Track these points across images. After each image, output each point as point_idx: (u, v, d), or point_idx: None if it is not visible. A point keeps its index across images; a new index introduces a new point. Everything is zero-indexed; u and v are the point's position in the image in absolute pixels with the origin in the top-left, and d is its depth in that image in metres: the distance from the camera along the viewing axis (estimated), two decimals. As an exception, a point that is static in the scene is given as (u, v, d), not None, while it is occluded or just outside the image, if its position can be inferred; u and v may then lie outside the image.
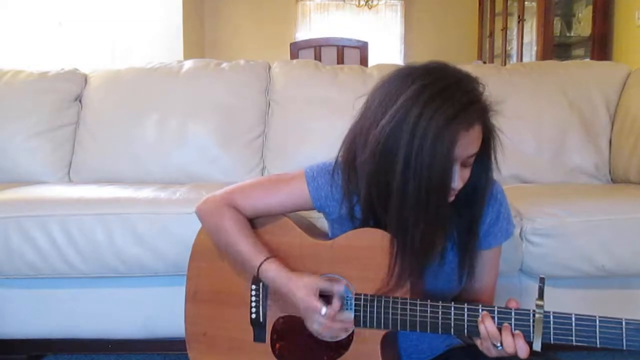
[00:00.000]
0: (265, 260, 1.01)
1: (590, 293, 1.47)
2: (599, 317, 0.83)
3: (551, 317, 0.85)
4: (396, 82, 0.90)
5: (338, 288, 0.98)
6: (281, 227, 1.07)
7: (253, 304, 1.07)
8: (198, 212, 1.09)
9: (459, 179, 0.89)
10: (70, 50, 4.02)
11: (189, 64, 2.05)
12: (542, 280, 0.87)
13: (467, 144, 0.86)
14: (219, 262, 1.10)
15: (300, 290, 0.97)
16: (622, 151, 1.86)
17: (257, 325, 1.06)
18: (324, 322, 0.97)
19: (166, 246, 1.40)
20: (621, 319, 0.81)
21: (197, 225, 1.13)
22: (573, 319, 0.84)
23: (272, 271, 1.00)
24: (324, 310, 0.96)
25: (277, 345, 1.05)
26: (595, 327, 0.83)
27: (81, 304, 1.50)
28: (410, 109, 0.85)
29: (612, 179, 1.90)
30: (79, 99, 2.03)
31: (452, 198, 0.92)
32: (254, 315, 1.07)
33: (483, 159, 0.94)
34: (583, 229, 1.39)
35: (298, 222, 1.08)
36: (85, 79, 2.06)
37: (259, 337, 1.06)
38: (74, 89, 2.02)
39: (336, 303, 0.96)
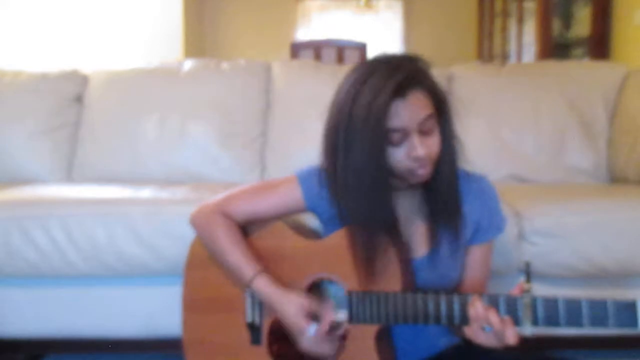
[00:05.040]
0: (255, 274, 1.02)
1: (589, 292, 1.47)
2: (585, 298, 0.85)
3: (538, 300, 0.86)
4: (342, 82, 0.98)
5: (328, 309, 0.99)
6: (273, 230, 1.08)
7: (248, 307, 1.07)
8: (191, 221, 1.11)
9: (420, 146, 0.91)
10: (70, 50, 4.02)
11: (189, 64, 2.05)
12: (527, 265, 0.89)
13: (409, 111, 0.90)
14: (215, 269, 1.10)
15: (291, 309, 0.99)
16: (620, 151, 1.86)
17: (253, 328, 1.07)
18: (312, 342, 0.98)
19: (167, 246, 1.40)
20: (605, 299, 0.84)
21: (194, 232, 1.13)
22: (560, 301, 0.86)
23: (263, 286, 1.01)
24: (312, 330, 0.98)
25: (274, 347, 1.06)
26: (581, 308, 0.85)
27: (81, 304, 1.50)
28: (344, 99, 0.93)
29: (610, 179, 1.90)
30: (79, 99, 2.03)
31: (423, 170, 0.93)
32: (249, 319, 1.07)
33: (441, 125, 0.96)
34: (582, 228, 1.40)
35: (289, 224, 1.09)
36: (85, 79, 2.06)
37: (255, 340, 1.07)
38: (74, 89, 2.02)
39: (325, 324, 0.98)
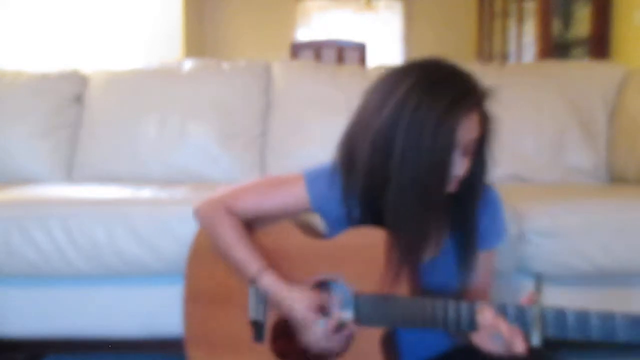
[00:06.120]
0: (260, 270, 1.02)
1: (588, 292, 1.47)
2: (594, 310, 0.85)
3: (547, 311, 0.86)
4: (393, 77, 0.94)
5: (335, 304, 0.99)
6: (279, 228, 1.08)
7: (252, 304, 1.07)
8: (196, 214, 1.10)
9: (462, 165, 0.91)
10: (70, 50, 4.02)
11: (189, 64, 2.06)
12: (538, 275, 0.90)
13: (469, 128, 0.90)
14: (218, 262, 1.10)
15: (299, 303, 0.99)
16: (619, 151, 1.87)
17: (256, 325, 1.06)
18: (320, 336, 0.98)
19: (167, 246, 1.40)
20: (614, 313, 0.84)
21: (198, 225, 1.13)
22: (568, 313, 0.85)
23: (268, 282, 1.01)
24: (321, 323, 0.97)
25: (277, 345, 1.06)
26: (590, 320, 0.84)
27: (81, 304, 1.50)
28: (407, 99, 0.88)
29: (610, 179, 1.91)
30: (79, 99, 2.03)
31: (451, 187, 0.93)
32: (252, 316, 1.06)
33: (481, 148, 0.96)
34: (582, 228, 1.40)
35: (297, 223, 1.08)
36: (85, 79, 2.06)
37: (258, 337, 1.06)
38: (74, 90, 2.03)
39: (334, 317, 0.97)
